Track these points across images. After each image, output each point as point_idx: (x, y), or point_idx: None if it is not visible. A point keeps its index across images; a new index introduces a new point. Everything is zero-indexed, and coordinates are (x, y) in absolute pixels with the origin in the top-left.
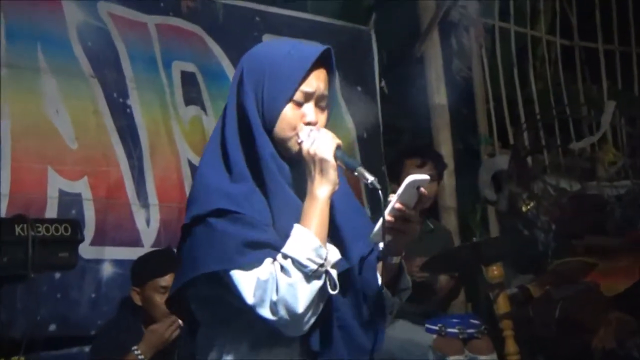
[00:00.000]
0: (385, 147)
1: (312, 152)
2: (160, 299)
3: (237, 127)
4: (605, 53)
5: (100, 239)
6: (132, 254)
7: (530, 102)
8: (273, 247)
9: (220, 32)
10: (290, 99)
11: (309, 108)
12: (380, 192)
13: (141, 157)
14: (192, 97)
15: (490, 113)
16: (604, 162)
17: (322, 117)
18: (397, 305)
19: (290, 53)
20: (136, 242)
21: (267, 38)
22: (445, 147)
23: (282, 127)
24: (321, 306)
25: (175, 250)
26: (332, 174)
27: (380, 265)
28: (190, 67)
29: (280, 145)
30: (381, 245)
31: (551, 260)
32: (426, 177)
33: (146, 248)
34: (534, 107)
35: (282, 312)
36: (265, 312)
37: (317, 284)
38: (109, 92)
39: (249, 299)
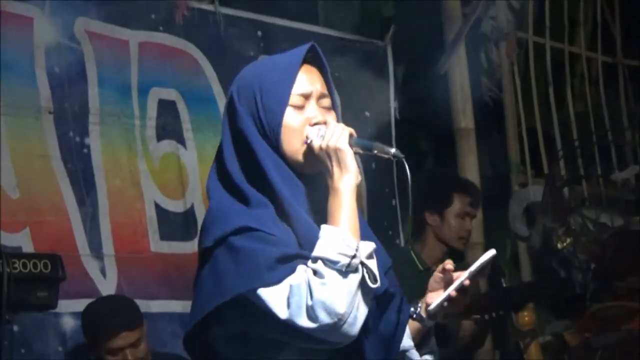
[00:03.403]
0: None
1: (324, 145)
2: None
3: (238, 156)
4: None
5: None
6: None
7: (567, 125)
8: (306, 258)
9: (215, 50)
10: (287, 104)
11: (313, 109)
12: (405, 161)
13: (95, 202)
14: (167, 130)
15: (523, 138)
16: None
17: (330, 118)
18: None
19: (276, 62)
20: (94, 293)
21: None
22: (472, 175)
23: (288, 138)
24: (367, 306)
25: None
26: (352, 163)
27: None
28: (171, 95)
29: (292, 161)
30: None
31: (590, 305)
32: (495, 252)
33: None
34: (571, 132)
35: (322, 316)
36: (303, 320)
37: (354, 278)
38: (63, 131)
39: (282, 313)
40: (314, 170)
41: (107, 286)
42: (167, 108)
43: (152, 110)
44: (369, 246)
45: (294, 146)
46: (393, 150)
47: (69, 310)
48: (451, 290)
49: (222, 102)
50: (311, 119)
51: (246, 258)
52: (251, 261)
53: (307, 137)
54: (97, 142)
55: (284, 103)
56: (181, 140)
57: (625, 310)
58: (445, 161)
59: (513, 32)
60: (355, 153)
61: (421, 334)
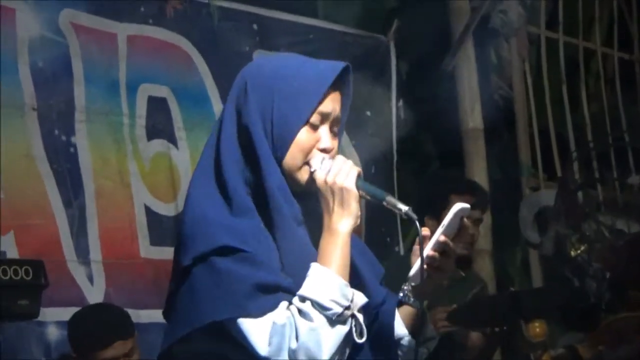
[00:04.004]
0: (406, 175)
1: (330, 181)
2: None
3: (239, 152)
4: None
5: None
6: None
7: (581, 126)
8: (288, 291)
9: (209, 44)
10: (306, 122)
11: (325, 132)
12: (417, 222)
13: (83, 205)
14: (157, 129)
15: (534, 139)
16: None
17: (335, 144)
18: (424, 356)
19: (303, 69)
20: (80, 301)
21: (257, 55)
22: (480, 179)
23: (294, 154)
24: (346, 356)
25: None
26: (354, 206)
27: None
28: (162, 91)
29: (289, 176)
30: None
31: (605, 315)
32: (469, 205)
33: None
34: (586, 133)
35: None
36: None
37: (342, 329)
38: (48, 129)
39: (263, 349)
40: (304, 191)
41: (95, 294)
42: (157, 105)
43: (141, 108)
44: (362, 299)
45: (296, 163)
46: (405, 208)
47: (54, 319)
48: (428, 249)
49: (215, 99)
50: (320, 141)
51: (227, 282)
52: (231, 286)
53: (309, 162)
54: (84, 141)
55: (304, 118)
56: (173, 140)
57: None
58: (452, 164)
59: (524, 26)
60: (361, 197)
61: (414, 319)
